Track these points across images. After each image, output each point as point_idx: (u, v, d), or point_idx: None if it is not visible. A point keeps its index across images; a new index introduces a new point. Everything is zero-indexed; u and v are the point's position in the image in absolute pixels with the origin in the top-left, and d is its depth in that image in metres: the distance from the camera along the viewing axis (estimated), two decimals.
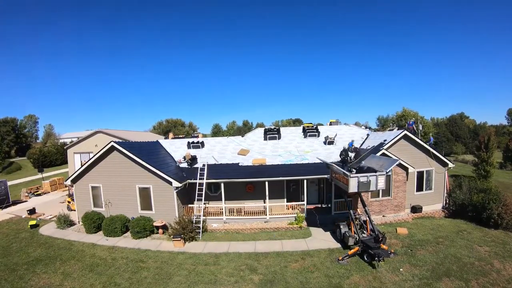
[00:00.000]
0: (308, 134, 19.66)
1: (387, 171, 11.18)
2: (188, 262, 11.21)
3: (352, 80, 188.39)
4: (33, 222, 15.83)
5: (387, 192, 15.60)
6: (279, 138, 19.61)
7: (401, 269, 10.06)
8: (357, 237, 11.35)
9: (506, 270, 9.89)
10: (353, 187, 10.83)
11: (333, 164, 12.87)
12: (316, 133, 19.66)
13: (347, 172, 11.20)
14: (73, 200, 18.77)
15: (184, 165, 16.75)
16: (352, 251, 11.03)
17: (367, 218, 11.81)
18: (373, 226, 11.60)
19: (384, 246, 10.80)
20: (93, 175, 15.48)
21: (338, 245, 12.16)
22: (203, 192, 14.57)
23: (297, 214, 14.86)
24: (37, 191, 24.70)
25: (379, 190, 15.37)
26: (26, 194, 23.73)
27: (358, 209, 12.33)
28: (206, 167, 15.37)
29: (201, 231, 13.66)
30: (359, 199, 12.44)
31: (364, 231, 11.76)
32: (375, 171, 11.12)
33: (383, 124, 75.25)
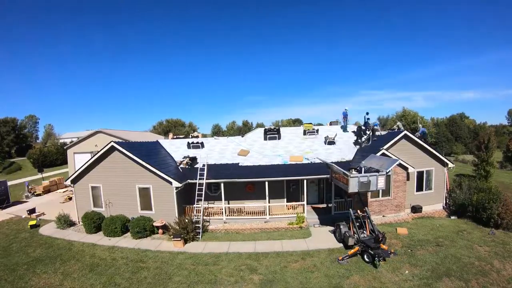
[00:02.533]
0: (308, 134, 19.69)
1: (387, 171, 11.18)
2: (188, 262, 11.21)
3: (352, 79, 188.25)
4: (33, 222, 15.83)
5: (387, 192, 15.59)
6: (279, 138, 19.61)
7: (406, 271, 9.94)
8: (357, 237, 11.33)
9: (506, 270, 9.89)
10: (353, 187, 10.83)
11: (333, 164, 12.87)
12: (316, 133, 19.70)
13: (347, 172, 11.21)
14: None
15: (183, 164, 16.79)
16: (352, 251, 11.01)
17: (367, 218, 11.79)
18: (373, 226, 11.59)
19: (384, 246, 10.79)
20: (93, 175, 15.48)
21: (338, 245, 12.15)
22: (203, 192, 14.57)
23: (297, 214, 14.86)
24: (36, 191, 24.64)
25: (379, 190, 15.44)
26: (27, 194, 23.73)
27: (358, 209, 12.36)
28: (206, 167, 15.37)
29: (201, 231, 13.65)
30: (359, 199, 12.45)
31: (364, 231, 11.75)
32: (377, 171, 11.12)
33: (383, 124, 75.31)
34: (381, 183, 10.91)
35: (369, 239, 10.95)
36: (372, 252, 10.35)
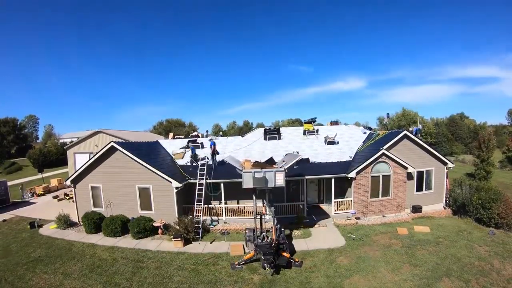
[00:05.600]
0: (308, 134, 19.71)
1: (286, 167, 11.24)
2: (188, 262, 11.22)
3: (351, 79, 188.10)
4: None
5: (387, 192, 15.62)
6: (279, 138, 19.64)
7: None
8: (256, 242, 10.75)
9: (506, 270, 9.90)
10: (247, 183, 10.68)
11: (232, 157, 13.07)
12: (316, 133, 19.72)
13: (239, 167, 11.29)
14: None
15: (182, 162, 16.92)
16: (248, 256, 10.75)
17: (273, 221, 11.30)
18: (280, 230, 11.23)
19: (285, 254, 10.33)
20: (93, 175, 15.48)
21: (338, 245, 12.16)
22: (203, 193, 14.58)
23: (297, 214, 14.87)
24: (35, 192, 24.58)
25: (379, 190, 15.51)
26: (29, 194, 23.76)
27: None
28: (205, 167, 15.37)
29: (201, 231, 13.64)
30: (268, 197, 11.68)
31: (269, 236, 11.10)
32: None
33: (383, 124, 75.29)
34: (279, 179, 10.62)
35: (264, 244, 10.37)
36: (263, 257, 9.98)
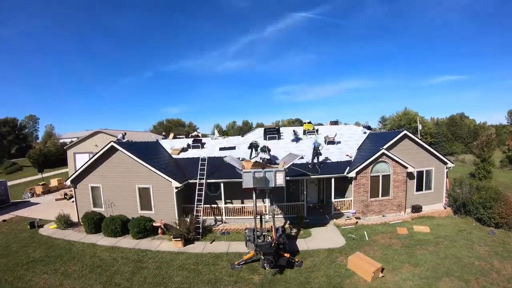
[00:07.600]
0: (308, 134, 19.70)
1: (286, 167, 11.21)
2: (188, 262, 11.22)
3: (351, 79, 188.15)
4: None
5: (387, 191, 15.62)
6: (279, 138, 19.62)
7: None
8: (256, 242, 10.71)
9: (506, 270, 9.89)
10: (247, 183, 10.64)
11: (233, 158, 13.00)
12: (316, 133, 19.70)
13: (239, 167, 11.28)
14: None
15: (177, 157, 17.15)
16: (248, 256, 10.77)
17: (273, 221, 11.31)
18: (282, 230, 11.16)
19: (285, 254, 10.45)
20: (93, 175, 15.48)
21: (338, 245, 12.16)
22: (203, 192, 14.58)
23: (298, 214, 14.86)
24: (35, 192, 24.61)
25: (379, 190, 15.50)
26: (29, 194, 23.81)
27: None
28: (206, 168, 15.36)
29: (201, 231, 13.64)
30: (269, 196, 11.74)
31: (270, 235, 11.06)
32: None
33: (385, 124, 75.29)
34: (279, 179, 10.56)
35: (264, 244, 10.30)
36: (263, 257, 9.99)
